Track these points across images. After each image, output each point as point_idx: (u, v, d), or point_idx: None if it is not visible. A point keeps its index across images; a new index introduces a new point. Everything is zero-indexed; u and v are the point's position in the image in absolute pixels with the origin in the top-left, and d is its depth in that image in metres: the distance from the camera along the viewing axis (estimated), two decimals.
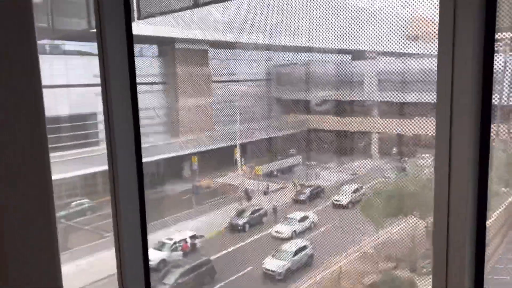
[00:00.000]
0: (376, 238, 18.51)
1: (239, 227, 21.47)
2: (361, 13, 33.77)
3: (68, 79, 23.46)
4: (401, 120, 28.15)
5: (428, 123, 26.34)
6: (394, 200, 16.69)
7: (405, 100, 27.92)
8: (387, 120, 29.00)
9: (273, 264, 18.90)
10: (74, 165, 20.92)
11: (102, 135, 22.86)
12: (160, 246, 18.98)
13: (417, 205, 16.80)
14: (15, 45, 1.29)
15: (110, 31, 1.72)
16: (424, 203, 16.58)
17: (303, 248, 19.58)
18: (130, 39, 1.81)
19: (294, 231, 20.92)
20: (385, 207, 16.86)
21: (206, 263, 18.90)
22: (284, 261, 18.90)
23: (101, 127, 22.81)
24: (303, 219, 21.65)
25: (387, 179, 21.75)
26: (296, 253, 19.12)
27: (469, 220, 1.48)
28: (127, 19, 1.77)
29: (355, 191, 23.43)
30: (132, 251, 1.75)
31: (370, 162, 28.78)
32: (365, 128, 29.57)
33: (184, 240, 19.88)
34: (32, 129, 1.34)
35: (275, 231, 21.17)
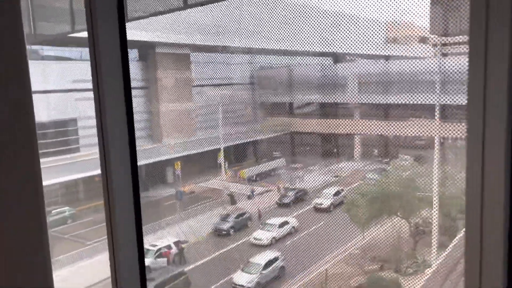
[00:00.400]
0: (360, 240, 18.63)
1: (224, 232, 21.26)
2: (342, 17, 34.15)
3: (46, 85, 23.00)
4: (383, 122, 28.53)
5: (409, 124, 26.72)
6: (378, 201, 16.83)
7: (387, 102, 28.29)
8: (369, 122, 29.35)
9: (242, 278, 17.69)
10: (54, 172, 20.47)
11: (83, 141, 22.46)
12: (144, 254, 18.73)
13: (400, 205, 16.99)
14: (4, 52, 1.26)
15: (103, 34, 1.67)
16: (407, 203, 16.77)
17: (274, 260, 18.34)
18: (123, 41, 1.77)
19: (274, 237, 20.26)
20: (369, 208, 16.98)
21: (180, 275, 17.97)
22: (253, 275, 17.63)
23: (82, 133, 22.50)
24: (283, 224, 21.07)
25: (370, 181, 21.93)
26: (266, 266, 17.92)
27: (503, 219, 1.51)
28: (120, 21, 1.72)
29: (336, 193, 23.21)
30: (127, 254, 1.72)
31: (353, 164, 29.06)
32: (348, 130, 29.87)
33: (168, 246, 19.59)
34: (22, 134, 1.31)
35: (254, 238, 20.42)
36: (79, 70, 22.81)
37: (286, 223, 21.27)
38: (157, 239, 20.00)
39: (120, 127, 1.81)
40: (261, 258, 18.44)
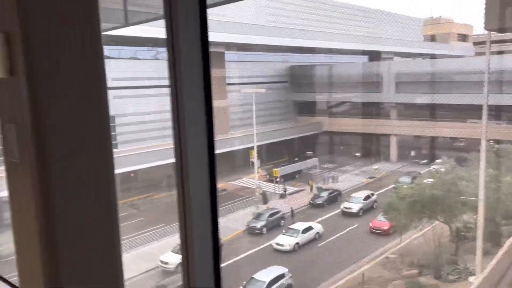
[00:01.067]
0: (397, 244, 18.14)
1: (257, 230, 21.09)
2: (378, 15, 33.20)
3: None
4: (421, 122, 27.64)
5: (450, 125, 25.74)
6: (418, 204, 16.23)
7: (426, 101, 27.35)
8: (407, 122, 28.48)
9: None
10: None
11: (120, 138, 22.84)
12: (179, 249, 18.74)
13: (442, 209, 16.35)
14: (82, 49, 1.30)
15: (183, 24, 1.60)
16: (448, 207, 16.13)
17: (280, 277, 16.62)
18: (204, 34, 1.66)
19: (297, 243, 19.37)
20: (409, 212, 16.39)
21: None
22: None
23: (119, 130, 22.59)
24: (307, 229, 20.18)
25: (408, 183, 21.19)
26: (270, 284, 16.21)
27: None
28: (201, 13, 1.63)
29: (366, 198, 22.92)
30: (202, 250, 1.66)
31: (389, 166, 28.35)
32: (384, 130, 29.15)
33: None
34: (97, 127, 1.33)
35: (276, 243, 19.58)
36: (117, 68, 23.18)
37: (310, 228, 20.40)
38: None
39: (198, 124, 1.73)
40: (266, 275, 16.80)
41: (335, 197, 24.80)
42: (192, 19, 1.75)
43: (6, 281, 3.14)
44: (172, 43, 1.72)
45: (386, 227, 18.93)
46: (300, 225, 20.71)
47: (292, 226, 20.75)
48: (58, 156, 1.28)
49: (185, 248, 1.71)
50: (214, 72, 29.45)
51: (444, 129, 26.39)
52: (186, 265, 1.72)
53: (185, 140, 1.75)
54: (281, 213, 22.64)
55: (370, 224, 19.98)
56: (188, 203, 1.72)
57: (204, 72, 1.83)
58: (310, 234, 20.23)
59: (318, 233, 20.44)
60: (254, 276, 16.89)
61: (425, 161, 26.77)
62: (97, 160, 1.33)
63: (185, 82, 1.75)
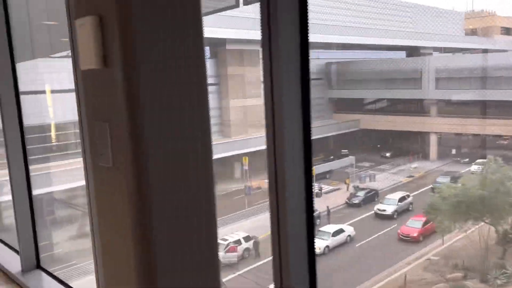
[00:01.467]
0: (439, 246, 17.55)
1: None
2: (416, 9, 32.31)
3: None
4: (462, 119, 26.67)
5: (494, 122, 24.69)
6: (463, 204, 15.61)
7: (468, 98, 26.36)
8: (447, 119, 27.56)
9: None
10: None
11: None
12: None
13: (488, 210, 15.67)
14: (184, 40, 1.26)
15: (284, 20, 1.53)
16: (496, 208, 15.43)
17: None
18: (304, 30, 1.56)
19: (327, 246, 18.89)
20: (452, 212, 15.79)
21: None
22: None
23: None
24: (338, 232, 19.70)
25: (446, 183, 20.42)
26: None
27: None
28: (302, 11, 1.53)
29: (401, 199, 22.23)
30: (297, 248, 1.59)
31: (429, 164, 27.49)
32: (423, 128, 28.31)
33: (238, 241, 19.52)
34: (198, 127, 1.29)
35: None
36: None
37: (341, 231, 19.88)
38: (227, 233, 20.00)
39: (294, 124, 1.64)
40: None
41: (372, 197, 24.26)
42: (292, 16, 1.66)
43: (61, 281, 3.11)
44: (269, 42, 1.65)
45: (415, 234, 18.18)
46: (330, 228, 20.19)
47: (322, 229, 20.18)
48: (157, 160, 1.17)
49: (278, 245, 1.64)
50: (249, 71, 29.44)
51: (487, 126, 25.37)
52: (279, 263, 1.64)
53: (281, 142, 1.68)
54: (317, 212, 22.34)
55: (399, 231, 19.19)
56: (283, 202, 1.62)
57: (302, 72, 1.73)
58: (341, 237, 19.70)
59: (349, 236, 19.88)
60: (269, 286, 16.11)
61: (467, 159, 25.81)
62: (197, 164, 1.25)
63: (284, 83, 1.69)
